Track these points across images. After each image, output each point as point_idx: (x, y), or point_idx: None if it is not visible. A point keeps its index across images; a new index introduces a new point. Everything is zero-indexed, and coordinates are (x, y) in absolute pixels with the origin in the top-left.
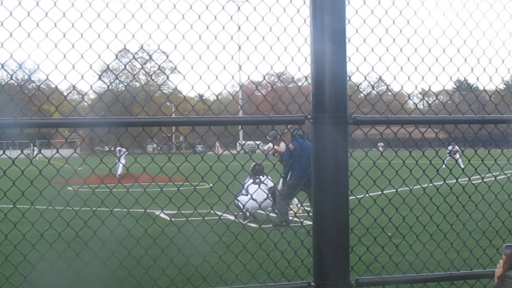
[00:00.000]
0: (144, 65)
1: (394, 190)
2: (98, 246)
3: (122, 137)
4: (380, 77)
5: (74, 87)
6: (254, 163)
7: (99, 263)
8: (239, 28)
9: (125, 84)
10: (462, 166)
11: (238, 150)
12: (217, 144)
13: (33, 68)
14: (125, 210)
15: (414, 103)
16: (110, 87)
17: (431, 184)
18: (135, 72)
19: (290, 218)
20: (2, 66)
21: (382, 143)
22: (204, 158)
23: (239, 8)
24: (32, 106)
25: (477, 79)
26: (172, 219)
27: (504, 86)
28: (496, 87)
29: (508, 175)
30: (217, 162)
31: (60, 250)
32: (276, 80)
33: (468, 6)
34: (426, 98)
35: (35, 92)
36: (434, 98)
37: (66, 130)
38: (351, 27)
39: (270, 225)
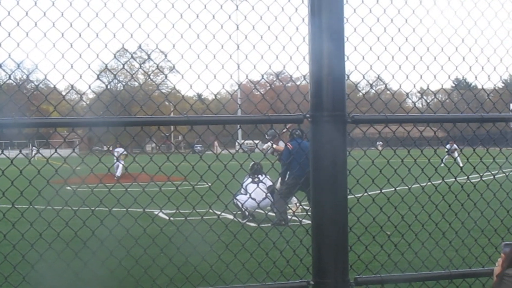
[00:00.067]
0: (142, 65)
1: (393, 189)
2: (97, 246)
3: (121, 136)
4: (378, 76)
5: (72, 86)
6: (253, 162)
7: (98, 262)
8: (238, 27)
9: (124, 83)
10: (461, 165)
11: (237, 149)
12: (215, 143)
13: (32, 68)
14: (124, 209)
15: (412, 102)
16: (108, 87)
17: (429, 183)
18: (133, 72)
19: (289, 217)
20: (1, 66)
21: (380, 142)
22: (202, 158)
23: (237, 7)
24: (30, 106)
25: (476, 77)
26: (171, 218)
27: (503, 84)
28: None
29: (507, 174)
30: (216, 161)
31: (59, 250)
32: (274, 79)
33: (466, 5)
34: (424, 97)
35: (34, 92)
36: (433, 97)
37: (64, 129)
38: (349, 26)
39: (269, 224)
